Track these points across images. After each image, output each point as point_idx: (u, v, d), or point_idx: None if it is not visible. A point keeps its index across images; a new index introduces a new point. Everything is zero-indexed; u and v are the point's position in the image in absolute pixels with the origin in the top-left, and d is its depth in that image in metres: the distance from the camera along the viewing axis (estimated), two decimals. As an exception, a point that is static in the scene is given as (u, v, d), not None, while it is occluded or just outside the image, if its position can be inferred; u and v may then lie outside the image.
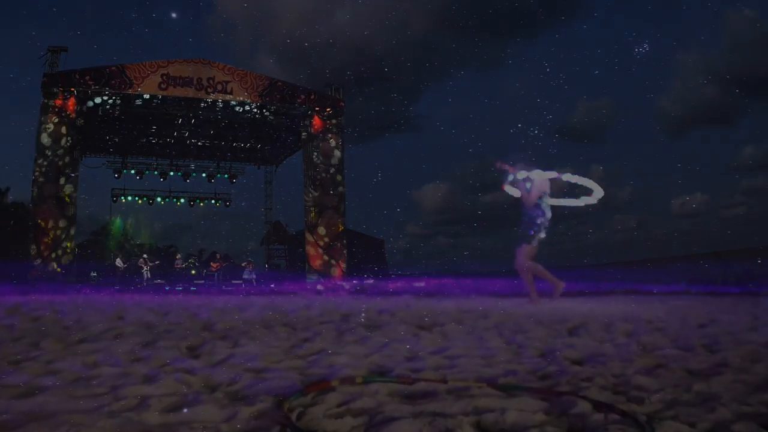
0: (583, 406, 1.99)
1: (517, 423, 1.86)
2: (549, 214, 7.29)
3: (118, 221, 27.47)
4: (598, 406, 2.01)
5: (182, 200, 28.37)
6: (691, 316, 5.28)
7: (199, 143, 26.10)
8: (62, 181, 19.62)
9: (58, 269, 19.05)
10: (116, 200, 27.41)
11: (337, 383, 2.30)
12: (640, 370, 2.69)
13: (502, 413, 1.89)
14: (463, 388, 2.26)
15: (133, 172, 26.87)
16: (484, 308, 5.89)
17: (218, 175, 28.23)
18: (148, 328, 4.23)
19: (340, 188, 22.97)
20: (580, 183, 7.60)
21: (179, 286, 17.31)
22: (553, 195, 7.59)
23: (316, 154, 22.75)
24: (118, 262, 22.68)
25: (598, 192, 7.60)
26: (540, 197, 7.35)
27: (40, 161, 19.33)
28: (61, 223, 19.55)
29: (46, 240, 19.22)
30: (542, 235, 7.28)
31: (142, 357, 2.97)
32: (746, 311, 5.82)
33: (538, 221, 7.24)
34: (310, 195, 22.82)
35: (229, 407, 1.95)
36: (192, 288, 16.31)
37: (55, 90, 19.57)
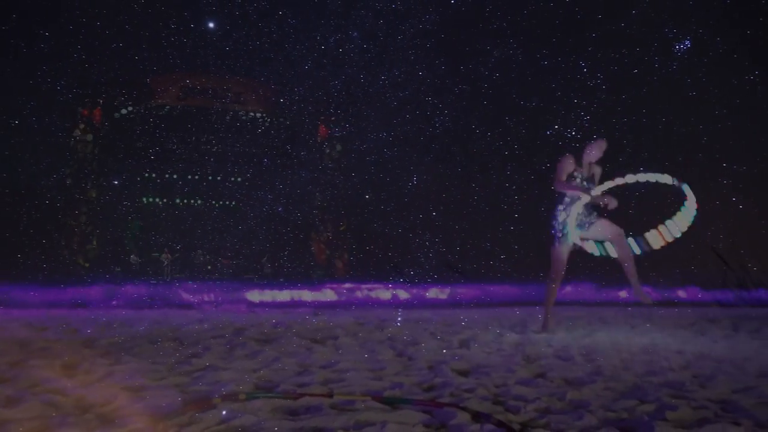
0: (462, 417, 2.04)
1: (396, 436, 1.88)
2: (577, 206, 5.27)
3: (136, 222, 27.94)
4: (476, 416, 2.07)
5: (199, 201, 29.61)
6: (577, 327, 5.57)
7: (215, 148, 27.96)
8: (89, 184, 22.55)
9: (86, 264, 21.42)
10: (138, 201, 28.29)
11: (218, 401, 2.23)
12: (521, 380, 2.79)
13: (382, 427, 1.90)
14: (348, 402, 2.26)
15: (154, 175, 28.08)
16: (380, 321, 5.93)
17: (232, 178, 29.46)
18: (21, 345, 3.93)
19: (343, 189, 24.70)
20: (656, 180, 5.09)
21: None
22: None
23: (322, 156, 24.88)
24: (133, 258, 24.55)
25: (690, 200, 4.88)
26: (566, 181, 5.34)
27: (68, 166, 22.12)
28: (88, 224, 22.29)
29: (74, 239, 21.67)
30: (566, 232, 5.28)
31: (8, 378, 2.75)
32: (625, 321, 6.23)
33: (558, 215, 5.40)
34: (317, 195, 25.08)
35: (97, 430, 1.85)
36: None
37: (83, 100, 22.37)
